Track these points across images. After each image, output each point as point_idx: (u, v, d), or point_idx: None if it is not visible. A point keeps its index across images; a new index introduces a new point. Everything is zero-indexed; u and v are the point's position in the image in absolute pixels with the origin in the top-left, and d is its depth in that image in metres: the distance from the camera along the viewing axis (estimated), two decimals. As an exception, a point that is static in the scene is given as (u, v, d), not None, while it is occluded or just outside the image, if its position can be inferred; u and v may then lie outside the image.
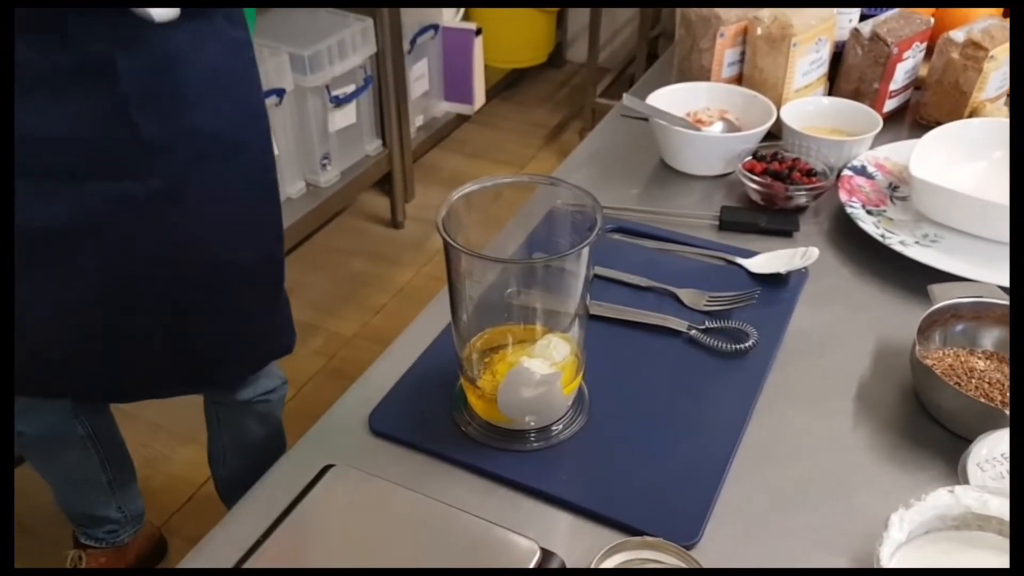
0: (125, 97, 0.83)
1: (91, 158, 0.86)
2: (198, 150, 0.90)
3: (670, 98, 1.01)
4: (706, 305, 0.79)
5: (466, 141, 2.78)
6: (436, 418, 0.69)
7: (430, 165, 2.65)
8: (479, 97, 2.65)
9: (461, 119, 2.76)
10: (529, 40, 2.94)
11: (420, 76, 2.51)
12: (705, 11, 1.03)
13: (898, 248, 0.85)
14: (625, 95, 0.96)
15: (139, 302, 0.95)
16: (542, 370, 0.63)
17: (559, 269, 0.62)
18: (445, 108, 2.67)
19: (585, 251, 0.60)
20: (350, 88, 2.16)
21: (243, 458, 1.29)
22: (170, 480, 1.61)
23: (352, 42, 2.10)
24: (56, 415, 1.15)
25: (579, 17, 3.04)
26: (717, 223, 0.91)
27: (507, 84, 3.01)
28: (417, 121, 2.56)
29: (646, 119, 1.00)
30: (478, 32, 2.55)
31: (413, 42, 2.41)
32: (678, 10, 1.08)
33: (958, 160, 0.93)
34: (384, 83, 2.25)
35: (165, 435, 1.67)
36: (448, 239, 0.60)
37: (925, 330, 0.72)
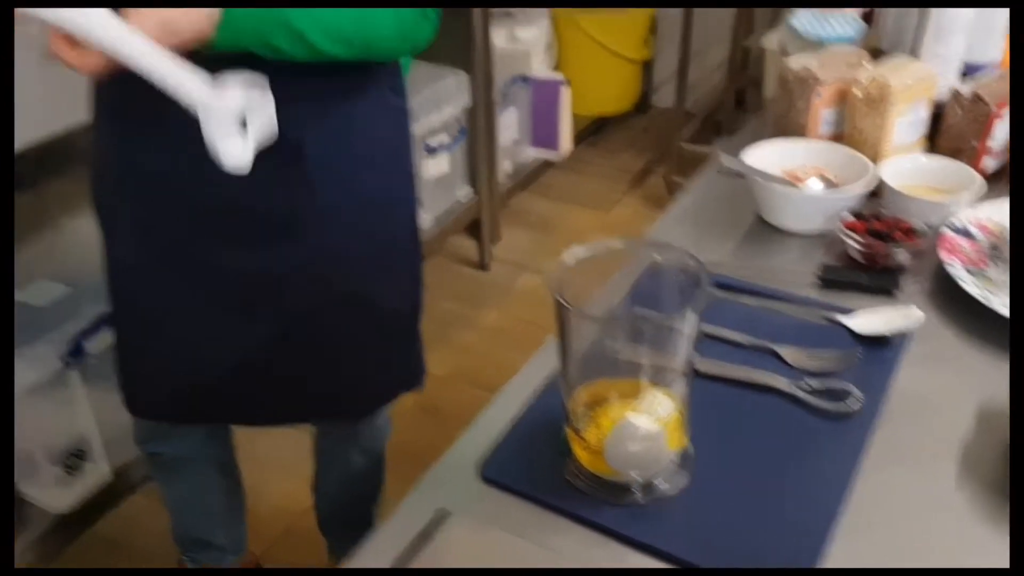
0: (309, 169, 0.94)
1: (275, 220, 0.98)
2: (366, 210, 1.02)
3: (766, 155, 1.03)
4: (808, 364, 0.80)
5: (552, 185, 2.83)
6: (545, 468, 0.72)
7: (517, 209, 2.71)
8: (566, 143, 2.71)
9: (548, 164, 2.82)
10: (616, 89, 3.00)
11: (509, 124, 2.59)
12: (802, 71, 1.05)
13: (1000, 310, 0.85)
14: (723, 155, 0.99)
15: (300, 342, 1.07)
16: (647, 426, 0.65)
17: (666, 327, 0.65)
18: (533, 154, 2.73)
19: (692, 311, 0.63)
20: (444, 139, 2.24)
21: (346, 490, 1.36)
22: (270, 510, 1.68)
23: (447, 95, 2.18)
24: (198, 439, 1.24)
25: (666, 65, 3.08)
26: (817, 281, 0.92)
27: (593, 130, 3.06)
28: (506, 167, 2.63)
29: (742, 176, 1.03)
30: (566, 82, 2.61)
31: (503, 92, 2.49)
32: (776, 68, 1.11)
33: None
34: (476, 133, 2.32)
35: (267, 465, 1.74)
36: (562, 301, 0.64)
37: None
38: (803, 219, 0.99)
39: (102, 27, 0.76)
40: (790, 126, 1.08)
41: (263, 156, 0.87)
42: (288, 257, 1.01)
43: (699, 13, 2.59)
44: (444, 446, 0.76)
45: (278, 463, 1.74)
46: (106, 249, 1.08)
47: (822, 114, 1.06)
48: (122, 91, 0.83)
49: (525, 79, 2.61)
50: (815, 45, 1.13)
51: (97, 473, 1.52)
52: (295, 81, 0.90)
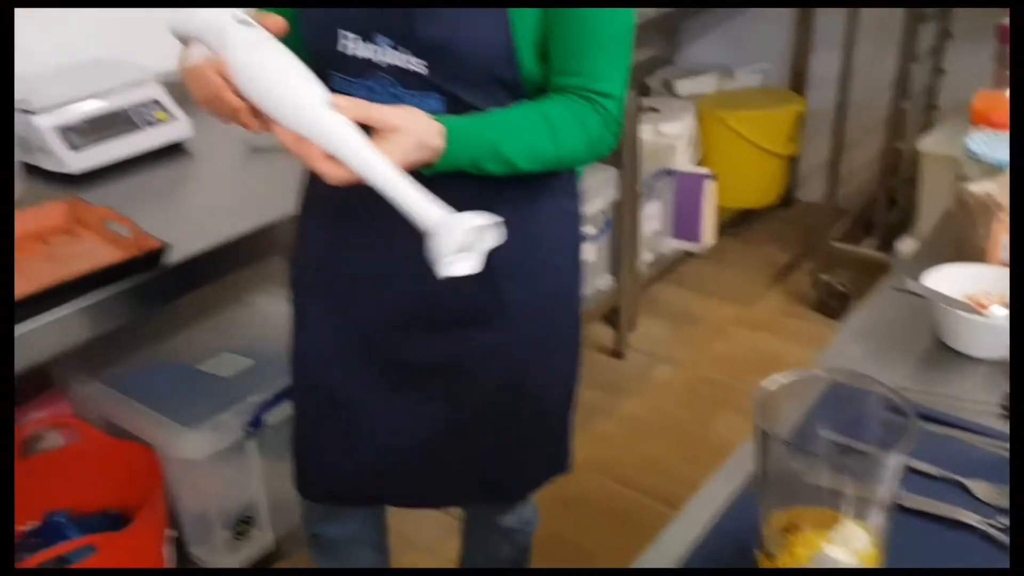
0: (494, 269, 0.99)
1: (461, 314, 1.07)
2: (543, 304, 1.10)
3: (946, 278, 1.03)
4: (1000, 501, 0.79)
5: (692, 276, 2.84)
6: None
7: (655, 298, 2.73)
8: (709, 236, 2.73)
9: (688, 254, 2.84)
10: (760, 182, 3.00)
11: (652, 215, 2.63)
12: (983, 195, 1.05)
13: None
14: (907, 279, 0.99)
15: (468, 426, 1.14)
16: (846, 560, 0.66)
17: (871, 460, 0.66)
18: (674, 245, 2.76)
19: (901, 448, 0.64)
20: (591, 230, 2.30)
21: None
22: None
23: (597, 189, 2.25)
24: (358, 521, 1.30)
25: (812, 159, 3.06)
26: (1003, 411, 0.90)
27: (736, 222, 3.06)
28: (646, 257, 2.67)
29: (918, 294, 1.02)
30: (711, 176, 2.64)
31: (648, 185, 2.54)
32: (955, 190, 1.11)
33: None
34: (620, 224, 2.38)
35: (414, 546, 1.79)
36: (764, 428, 0.66)
37: None
38: (987, 347, 0.97)
39: (358, 152, 0.85)
40: (969, 250, 1.08)
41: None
42: (469, 347, 1.10)
43: (851, 108, 2.58)
44: (582, 540, 0.79)
45: (424, 544, 1.79)
46: (295, 333, 1.18)
47: (1004, 240, 1.05)
48: (336, 192, 0.92)
49: (669, 172, 2.66)
50: (993, 169, 1.12)
51: (262, 540, 1.61)
52: (487, 188, 0.98)
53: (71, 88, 1.50)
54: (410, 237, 0.92)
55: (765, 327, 2.59)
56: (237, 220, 1.32)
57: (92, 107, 1.49)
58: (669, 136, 2.69)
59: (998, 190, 1.04)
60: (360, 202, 0.92)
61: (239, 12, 0.92)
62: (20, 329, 1.07)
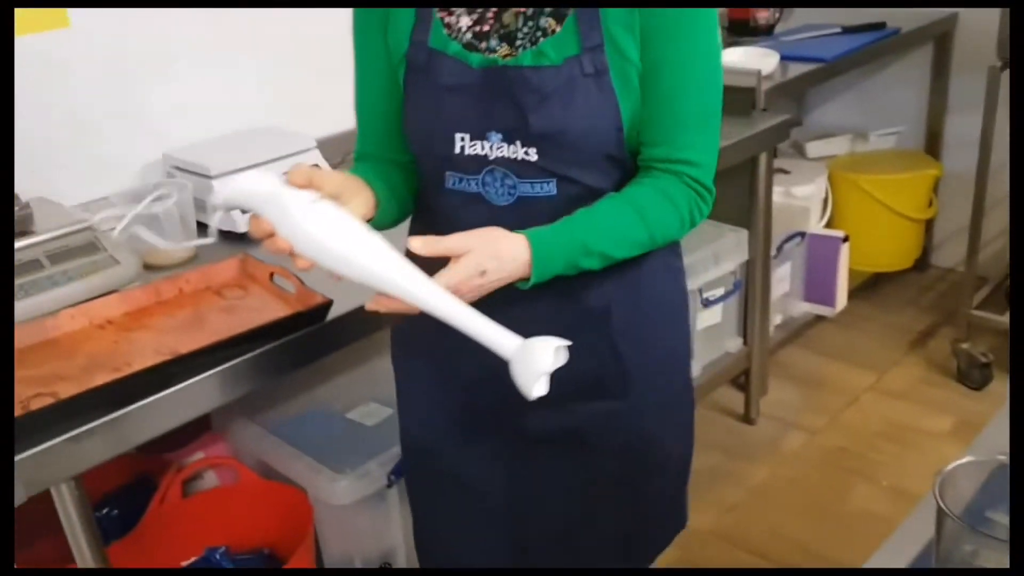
0: (613, 334, 1.02)
1: (582, 384, 1.06)
2: (658, 366, 1.10)
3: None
4: None
5: (823, 340, 2.78)
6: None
7: (785, 362, 2.68)
8: (841, 300, 2.67)
9: (819, 318, 2.78)
10: (894, 245, 2.93)
11: (783, 278, 2.60)
12: None
13: None
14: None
15: (593, 494, 1.13)
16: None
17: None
18: (805, 308, 2.71)
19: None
20: (720, 291, 2.30)
21: None
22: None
23: (727, 251, 2.25)
24: None
25: (948, 223, 2.97)
26: None
27: (869, 285, 2.99)
28: (776, 320, 2.63)
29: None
30: (845, 239, 2.60)
31: (780, 248, 2.52)
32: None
33: None
34: (751, 286, 2.36)
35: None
36: (945, 510, 0.66)
37: None
38: None
39: (422, 295, 0.87)
40: None
41: (575, 326, 0.96)
42: (590, 416, 1.09)
43: (991, 172, 2.50)
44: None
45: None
46: (401, 401, 1.20)
47: None
48: None
49: (801, 235, 2.63)
50: None
51: (398, 586, 1.66)
52: (591, 284, 1.01)
53: (243, 155, 1.63)
54: (521, 305, 0.96)
55: (901, 396, 2.50)
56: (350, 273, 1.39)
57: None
58: (800, 198, 2.67)
59: None
60: None
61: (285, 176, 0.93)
62: (196, 377, 1.16)
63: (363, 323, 1.37)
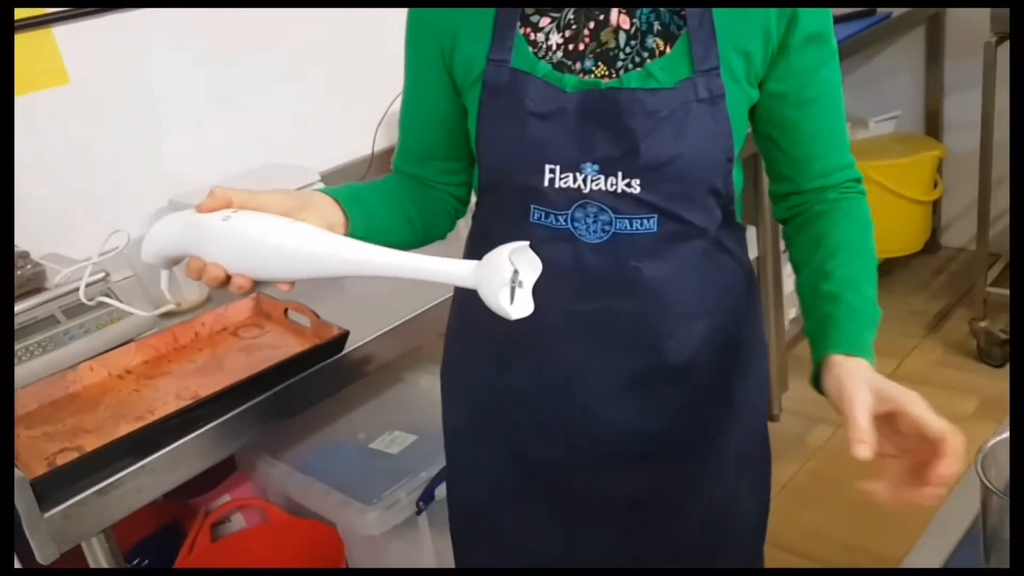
0: (696, 389, 0.96)
1: (660, 444, 0.98)
2: (741, 420, 1.02)
3: None
4: None
5: (839, 332, 2.76)
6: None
7: (803, 356, 2.66)
8: (854, 289, 2.66)
9: (833, 310, 2.77)
10: (903, 230, 2.92)
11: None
12: None
13: None
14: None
15: (660, 563, 1.05)
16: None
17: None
18: (817, 301, 2.70)
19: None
20: (734, 289, 2.29)
21: None
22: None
23: (737, 248, 2.25)
24: None
25: (955, 203, 2.96)
26: None
27: (881, 272, 2.94)
28: (790, 314, 2.62)
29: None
30: (853, 227, 2.59)
31: (788, 241, 2.51)
32: None
33: None
34: (764, 282, 2.36)
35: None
36: (992, 487, 0.64)
37: None
38: None
39: (364, 258, 0.80)
40: None
41: (652, 383, 0.92)
42: (661, 480, 1.00)
43: (995, 148, 2.49)
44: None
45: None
46: (450, 450, 1.13)
47: None
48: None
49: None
50: None
51: (434, 613, 1.65)
52: (689, 312, 0.94)
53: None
54: (600, 358, 0.93)
55: (923, 380, 2.48)
56: (401, 304, 1.40)
57: (267, 209, 1.63)
58: (803, 191, 2.67)
59: None
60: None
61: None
62: (219, 419, 1.16)
63: (381, 351, 1.37)
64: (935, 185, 2.91)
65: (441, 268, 0.79)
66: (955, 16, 2.83)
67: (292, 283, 0.83)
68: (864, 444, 0.73)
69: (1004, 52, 2.38)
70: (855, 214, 0.94)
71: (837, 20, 2.60)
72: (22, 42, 1.54)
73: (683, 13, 0.85)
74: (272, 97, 1.89)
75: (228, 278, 0.82)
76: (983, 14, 2.35)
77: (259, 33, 1.84)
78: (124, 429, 1.10)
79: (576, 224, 0.89)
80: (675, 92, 0.85)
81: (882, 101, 3.05)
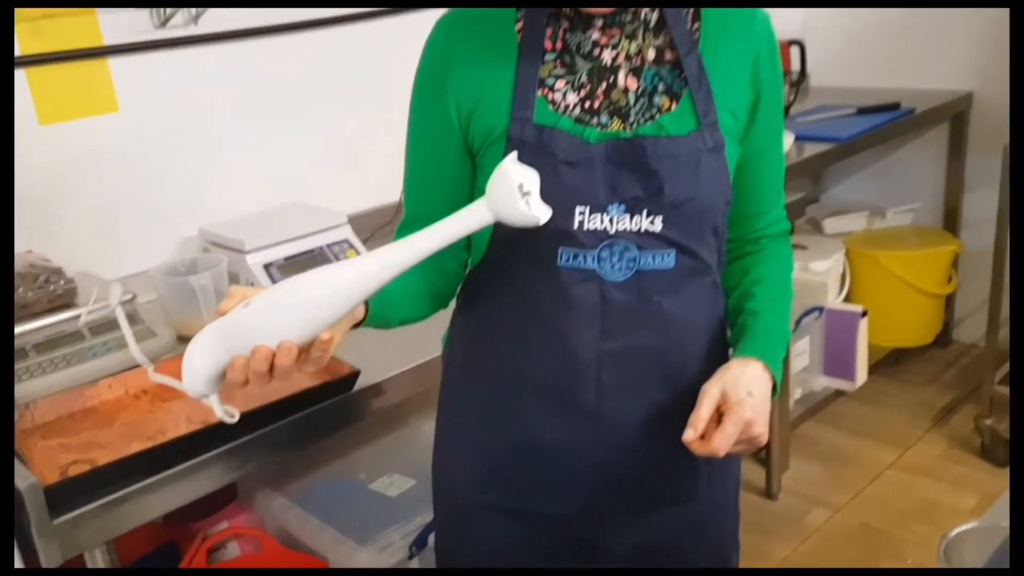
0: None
1: (675, 483, 1.06)
2: (722, 466, 1.08)
3: None
4: None
5: (845, 416, 2.77)
6: None
7: (807, 438, 2.67)
8: (861, 374, 2.67)
9: (839, 393, 2.78)
10: (915, 321, 2.94)
11: (801, 352, 2.61)
12: None
13: None
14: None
15: None
16: None
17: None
18: (824, 383, 2.71)
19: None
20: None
21: None
22: None
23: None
24: None
25: (969, 298, 2.98)
26: None
27: (890, 361, 2.99)
28: (796, 394, 2.63)
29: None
30: (864, 314, 2.61)
31: (797, 322, 2.54)
32: None
33: None
34: (772, 360, 2.38)
35: None
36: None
37: None
38: None
39: (388, 261, 0.86)
40: None
41: (672, 420, 0.95)
42: (675, 524, 1.07)
43: (1007, 249, 2.52)
44: None
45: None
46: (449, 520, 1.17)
47: None
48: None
49: (820, 310, 2.65)
50: None
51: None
52: (703, 347, 1.03)
53: (277, 230, 1.70)
54: (615, 394, 0.99)
55: (925, 472, 2.48)
56: (413, 347, 1.44)
57: (294, 247, 1.69)
58: (818, 273, 2.70)
59: None
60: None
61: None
62: (225, 446, 1.19)
63: (390, 393, 1.41)
64: (950, 279, 2.93)
65: (459, 226, 0.86)
66: (978, 114, 2.88)
67: (332, 335, 0.87)
68: (691, 429, 0.91)
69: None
70: (781, 255, 1.09)
71: (861, 112, 2.67)
72: (78, 70, 1.63)
73: (683, 76, 0.97)
74: (307, 139, 1.97)
75: (272, 354, 0.85)
76: (1006, 113, 2.41)
77: (300, 76, 1.93)
78: (136, 447, 1.14)
79: (602, 263, 0.97)
80: (688, 140, 0.96)
81: (902, 192, 3.10)
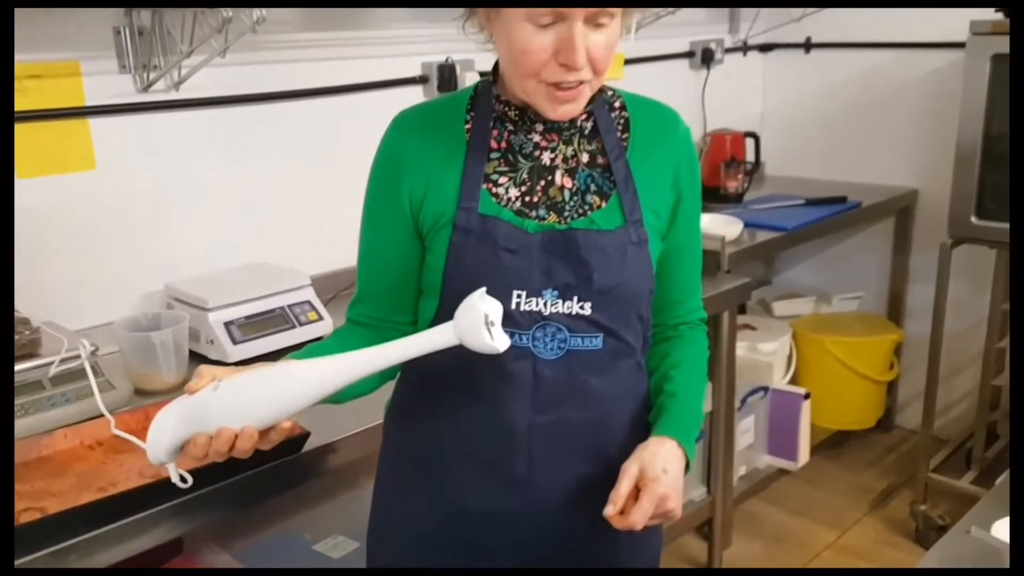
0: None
1: (591, 555, 1.13)
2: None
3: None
4: None
5: (787, 495, 2.84)
6: None
7: (749, 515, 2.74)
8: (804, 455, 2.76)
9: (783, 472, 2.85)
10: (857, 404, 3.04)
11: (746, 430, 2.70)
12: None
13: None
14: (975, 527, 1.06)
15: None
16: None
17: None
18: (768, 461, 2.80)
19: None
20: (686, 441, 2.39)
21: None
22: None
23: (693, 401, 2.36)
24: None
25: (911, 384, 3.09)
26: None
27: (833, 443, 3.08)
28: (740, 471, 2.71)
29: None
30: (807, 396, 2.71)
31: (743, 401, 2.63)
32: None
33: None
34: (715, 437, 2.46)
35: None
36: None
37: None
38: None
39: (357, 364, 0.95)
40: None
41: (596, 490, 1.03)
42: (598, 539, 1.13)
43: (948, 338, 2.64)
44: None
45: None
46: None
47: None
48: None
49: (765, 389, 2.74)
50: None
51: None
52: (627, 423, 1.12)
53: (240, 289, 1.76)
54: (545, 465, 1.06)
55: (860, 555, 2.55)
56: (363, 411, 1.48)
57: (256, 307, 1.74)
58: (765, 354, 2.80)
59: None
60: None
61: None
62: (174, 501, 1.23)
63: (338, 455, 1.46)
64: (892, 367, 3.05)
65: (425, 342, 0.95)
66: (923, 210, 3.03)
67: (292, 423, 0.96)
68: (611, 505, 0.99)
69: (958, 254, 2.57)
70: (698, 342, 1.20)
71: (809, 203, 2.81)
72: (60, 128, 1.70)
73: (612, 178, 1.09)
74: (274, 202, 2.04)
75: (235, 437, 0.93)
76: (946, 214, 2.55)
77: (271, 143, 2.01)
78: (87, 497, 1.18)
79: (536, 342, 1.06)
80: (615, 235, 1.07)
81: (849, 280, 3.23)
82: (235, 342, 1.69)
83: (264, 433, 0.95)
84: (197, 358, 1.68)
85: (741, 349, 2.69)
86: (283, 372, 0.95)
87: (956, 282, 2.64)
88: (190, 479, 1.00)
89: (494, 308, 0.94)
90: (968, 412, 2.91)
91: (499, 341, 0.93)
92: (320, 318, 1.80)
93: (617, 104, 1.13)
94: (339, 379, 0.95)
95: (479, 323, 0.92)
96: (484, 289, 0.95)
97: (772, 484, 2.86)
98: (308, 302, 1.82)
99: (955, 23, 2.57)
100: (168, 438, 0.96)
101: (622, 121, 1.12)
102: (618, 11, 0.99)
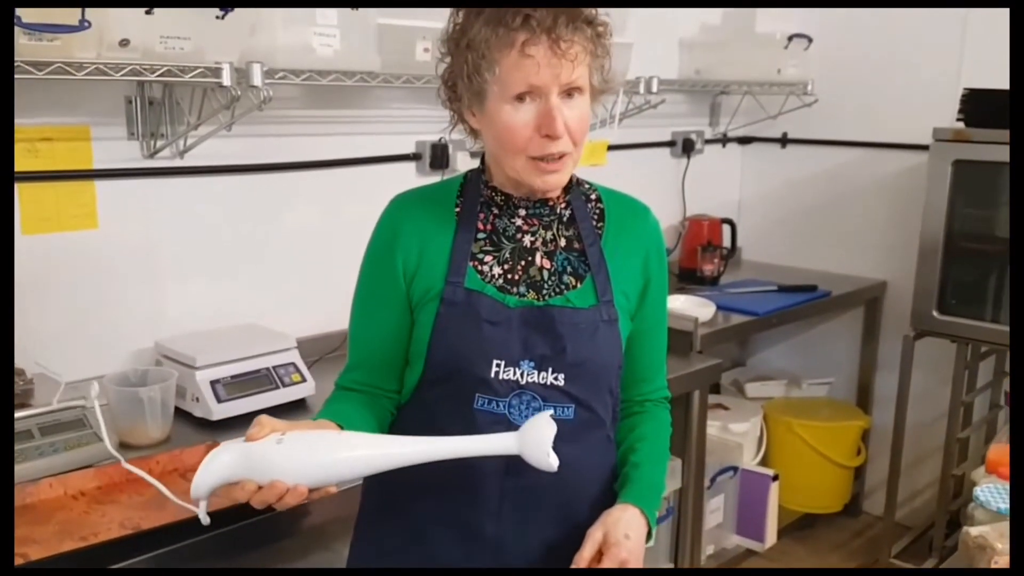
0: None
1: None
2: None
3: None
4: None
5: (753, 576, 2.88)
6: None
7: (716, 594, 2.77)
8: (771, 536, 2.81)
9: (750, 552, 2.90)
10: (825, 488, 3.10)
11: (716, 509, 2.75)
12: (978, 538, 1.20)
13: None
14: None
15: None
16: None
17: None
18: (736, 541, 2.84)
19: None
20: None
21: None
22: None
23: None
24: None
25: (878, 472, 3.16)
26: None
27: (800, 526, 3.12)
28: (708, 550, 2.75)
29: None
30: (775, 478, 2.78)
31: (713, 479, 2.69)
32: (961, 531, 1.26)
33: None
34: (684, 515, 2.51)
35: None
36: None
37: None
38: None
39: (415, 451, 1.03)
40: (973, 585, 1.21)
41: (564, 554, 1.10)
42: None
43: (912, 427, 2.71)
44: None
45: None
46: None
47: (1004, 579, 1.18)
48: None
49: (735, 469, 2.81)
50: (995, 516, 1.28)
51: None
52: (596, 492, 1.20)
53: (228, 349, 1.83)
54: (514, 529, 1.14)
55: (824, 640, 2.58)
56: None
57: (242, 367, 1.81)
58: (736, 434, 2.87)
59: (992, 534, 1.19)
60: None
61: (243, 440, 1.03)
62: (153, 552, 1.28)
63: (313, 515, 1.51)
64: (859, 452, 3.12)
65: (484, 446, 1.03)
66: (892, 301, 3.14)
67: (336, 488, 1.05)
68: (574, 567, 1.06)
69: (921, 346, 2.68)
70: (661, 419, 1.29)
71: (781, 289, 2.92)
72: (67, 188, 1.79)
73: (587, 262, 1.19)
74: (262, 267, 2.13)
75: (286, 491, 1.00)
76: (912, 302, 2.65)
77: (265, 210, 2.11)
78: (67, 546, 1.23)
79: (512, 409, 1.14)
80: (588, 312, 1.17)
81: (819, 366, 3.32)
82: (219, 400, 1.75)
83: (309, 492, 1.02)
84: (182, 415, 1.74)
85: (713, 428, 2.76)
86: (348, 442, 1.02)
87: (921, 373, 2.73)
88: (209, 521, 1.06)
89: (553, 430, 1.02)
90: (931, 501, 2.97)
91: (554, 459, 1.01)
92: (303, 380, 1.86)
93: (593, 196, 1.25)
94: (391, 461, 1.02)
95: (546, 442, 1.00)
96: (550, 412, 1.05)
97: (740, 565, 2.89)
98: (293, 364, 1.89)
99: (920, 124, 2.72)
100: (215, 479, 1.00)
101: (597, 211, 1.24)
102: (587, 85, 1.11)
